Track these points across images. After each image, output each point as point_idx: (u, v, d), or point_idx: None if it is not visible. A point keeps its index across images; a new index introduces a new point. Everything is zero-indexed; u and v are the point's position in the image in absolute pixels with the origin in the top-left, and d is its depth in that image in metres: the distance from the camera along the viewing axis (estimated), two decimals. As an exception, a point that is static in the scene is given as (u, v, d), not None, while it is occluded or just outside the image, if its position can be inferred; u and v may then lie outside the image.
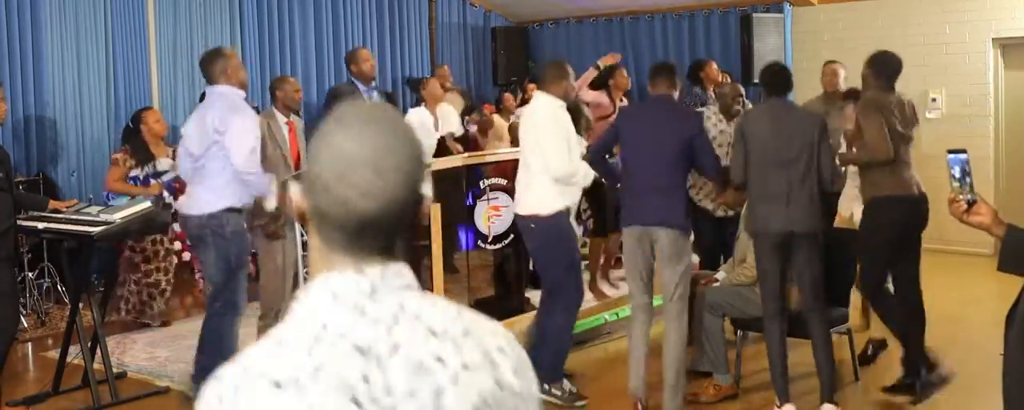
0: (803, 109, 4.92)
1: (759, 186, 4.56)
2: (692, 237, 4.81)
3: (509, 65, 11.00)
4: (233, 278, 4.69)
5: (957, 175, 2.62)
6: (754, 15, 9.71)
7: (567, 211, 4.89)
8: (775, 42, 9.69)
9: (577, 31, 11.29)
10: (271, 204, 4.78)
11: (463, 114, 8.51)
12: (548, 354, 4.75)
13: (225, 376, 1.13)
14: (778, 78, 4.74)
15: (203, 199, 4.68)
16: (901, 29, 9.10)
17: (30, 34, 7.64)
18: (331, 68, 9.83)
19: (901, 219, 4.80)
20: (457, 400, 1.14)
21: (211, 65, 4.73)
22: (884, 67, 4.84)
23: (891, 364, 5.38)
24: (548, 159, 4.67)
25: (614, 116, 7.02)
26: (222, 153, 4.61)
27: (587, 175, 4.85)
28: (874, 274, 4.89)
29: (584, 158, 4.94)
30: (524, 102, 7.84)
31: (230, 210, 4.67)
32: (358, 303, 1.15)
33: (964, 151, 2.68)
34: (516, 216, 5.04)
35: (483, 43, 11.36)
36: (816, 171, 4.51)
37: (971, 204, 2.58)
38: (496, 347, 1.21)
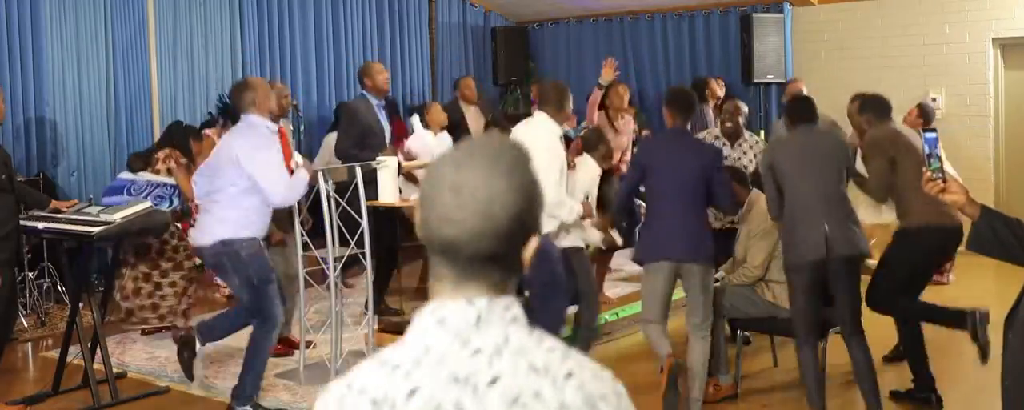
0: (825, 133, 4.89)
1: (793, 216, 4.47)
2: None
3: (509, 65, 11.00)
4: (262, 295, 4.67)
5: (932, 153, 2.70)
6: (754, 15, 9.71)
7: (545, 236, 4.85)
8: (775, 42, 9.69)
9: (577, 31, 11.29)
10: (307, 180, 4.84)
11: (485, 128, 8.42)
12: None
13: (333, 390, 1.21)
14: (801, 110, 4.68)
15: (214, 229, 4.63)
16: (901, 29, 9.11)
17: (30, 34, 7.65)
18: (331, 68, 9.83)
19: (933, 247, 4.77)
20: None
21: (240, 97, 4.74)
22: (873, 106, 4.91)
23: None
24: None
25: (626, 144, 7.05)
26: (242, 183, 4.58)
27: (572, 211, 4.80)
28: (888, 293, 4.81)
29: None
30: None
31: (243, 238, 4.63)
32: (463, 332, 1.18)
33: (935, 130, 2.78)
34: None
35: (483, 43, 11.37)
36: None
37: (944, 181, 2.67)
38: (599, 394, 1.19)
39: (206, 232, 4.66)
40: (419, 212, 1.22)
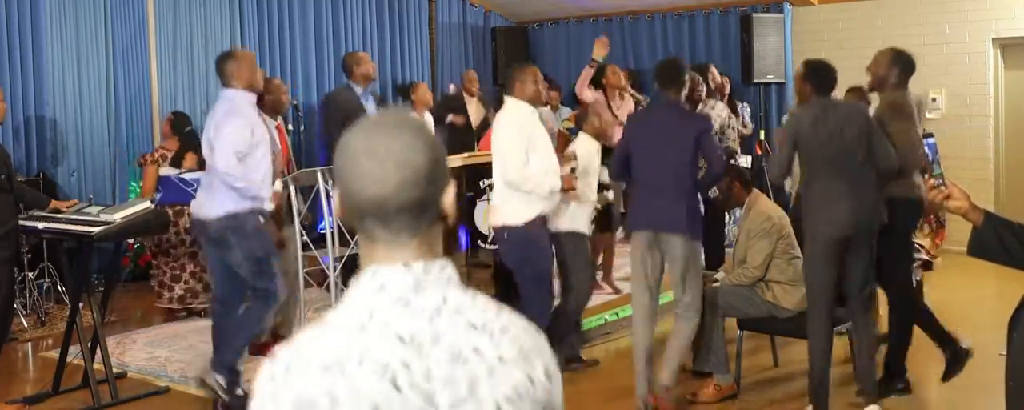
0: (846, 103, 4.81)
1: (816, 188, 4.42)
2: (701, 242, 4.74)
3: (509, 65, 10.91)
4: (265, 269, 4.68)
5: (934, 159, 2.67)
6: (754, 15, 9.71)
7: (541, 219, 4.82)
8: (775, 42, 9.69)
9: (577, 31, 11.29)
10: (268, 205, 4.72)
11: (483, 122, 8.56)
12: None
13: (279, 356, 1.25)
14: (826, 77, 4.54)
15: (218, 201, 4.64)
16: (901, 29, 9.10)
17: (30, 34, 7.64)
18: (331, 68, 9.83)
19: (909, 220, 4.77)
20: (491, 390, 1.22)
21: (223, 67, 4.73)
22: (907, 65, 4.76)
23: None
24: (504, 164, 4.67)
25: (620, 117, 7.01)
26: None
27: (541, 184, 4.74)
28: (899, 272, 4.79)
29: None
30: None
31: (250, 211, 4.64)
32: (403, 295, 1.25)
33: (932, 135, 2.75)
34: (492, 226, 5.02)
35: (483, 43, 11.36)
36: (872, 165, 4.40)
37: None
38: (532, 347, 1.29)
39: (212, 204, 4.66)
40: (339, 186, 1.29)
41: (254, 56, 5.01)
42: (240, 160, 4.57)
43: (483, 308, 1.28)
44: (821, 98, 4.51)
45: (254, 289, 4.72)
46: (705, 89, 6.29)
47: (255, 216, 4.68)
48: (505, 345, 1.25)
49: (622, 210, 6.00)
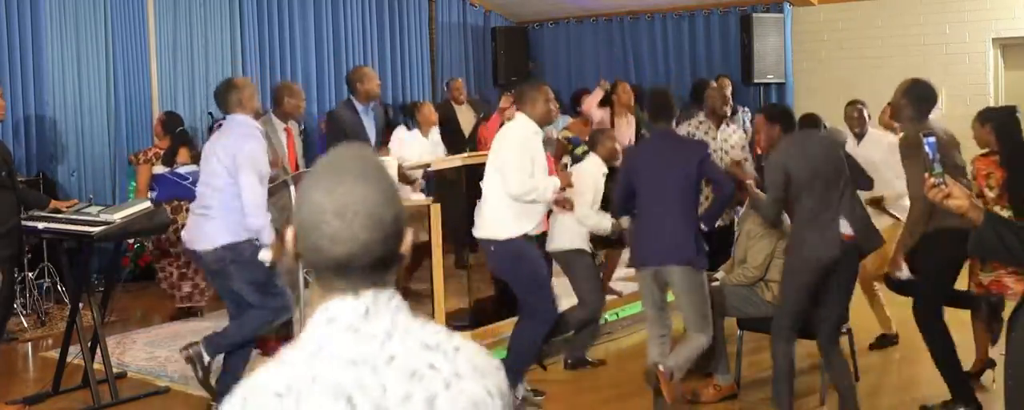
0: (822, 135, 4.85)
1: (804, 216, 4.39)
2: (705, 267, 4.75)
3: (509, 65, 11.00)
4: (270, 291, 4.63)
5: (934, 158, 2.65)
6: (754, 15, 9.72)
7: (526, 237, 4.83)
8: (775, 42, 9.69)
9: (577, 31, 11.29)
10: (265, 256, 4.56)
11: (476, 126, 8.56)
12: (510, 362, 4.72)
13: (236, 391, 1.27)
14: (787, 118, 4.74)
15: (213, 233, 4.57)
16: (901, 29, 9.11)
17: (30, 34, 7.64)
18: (330, 69, 9.83)
19: (958, 251, 4.66)
20: (450, 404, 1.24)
21: (225, 97, 4.71)
22: (920, 96, 4.64)
23: (899, 367, 5.39)
24: (508, 178, 4.66)
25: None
26: (234, 187, 4.52)
27: (545, 190, 4.74)
28: (932, 303, 4.70)
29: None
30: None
31: (246, 240, 4.57)
32: (352, 323, 1.27)
33: (932, 134, 2.73)
34: (476, 237, 5.01)
35: (483, 43, 11.37)
36: (851, 194, 4.46)
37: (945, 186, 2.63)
38: (484, 365, 1.32)
39: (206, 237, 4.59)
40: (302, 239, 1.28)
41: (255, 85, 5.03)
42: (261, 181, 4.54)
43: (434, 331, 1.31)
44: (801, 131, 4.68)
45: (264, 307, 4.65)
46: (730, 108, 6.19)
47: (252, 244, 4.58)
48: (460, 362, 1.28)
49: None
